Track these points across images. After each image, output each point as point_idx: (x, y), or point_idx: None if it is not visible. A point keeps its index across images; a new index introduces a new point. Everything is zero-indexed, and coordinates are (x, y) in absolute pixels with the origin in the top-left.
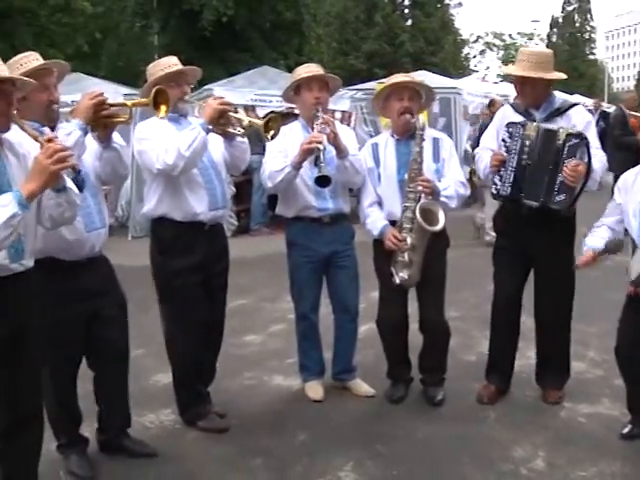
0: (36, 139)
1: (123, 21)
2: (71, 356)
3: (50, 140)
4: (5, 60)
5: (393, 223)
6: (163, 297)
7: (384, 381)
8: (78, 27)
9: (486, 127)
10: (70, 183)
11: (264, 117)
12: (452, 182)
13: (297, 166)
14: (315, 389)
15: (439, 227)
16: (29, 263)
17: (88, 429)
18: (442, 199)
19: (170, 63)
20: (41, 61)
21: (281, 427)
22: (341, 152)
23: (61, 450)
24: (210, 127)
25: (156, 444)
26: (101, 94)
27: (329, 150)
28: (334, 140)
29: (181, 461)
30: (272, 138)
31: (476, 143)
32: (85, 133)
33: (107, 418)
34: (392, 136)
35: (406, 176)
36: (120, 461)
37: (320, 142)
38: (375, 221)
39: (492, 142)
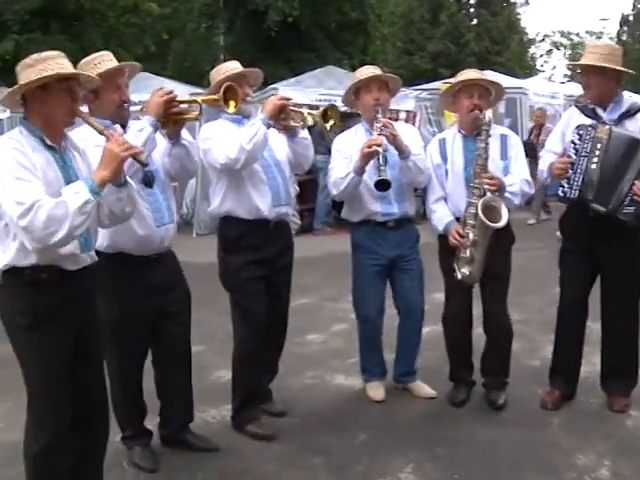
0: (102, 132)
1: (189, 22)
2: (139, 350)
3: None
4: (76, 60)
5: (459, 220)
6: (229, 291)
7: (446, 383)
8: (146, 28)
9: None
10: (129, 178)
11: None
12: (518, 179)
13: (359, 171)
14: (376, 389)
15: (501, 224)
16: (95, 256)
17: (151, 423)
18: (506, 195)
19: (232, 67)
20: (115, 61)
21: (342, 426)
22: (403, 152)
23: (125, 442)
24: (271, 122)
25: (217, 439)
26: (171, 91)
27: (392, 153)
28: (394, 141)
29: (241, 457)
30: (331, 128)
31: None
32: (156, 129)
33: (170, 413)
34: (459, 132)
35: (471, 172)
36: (181, 454)
37: (379, 145)
38: (441, 217)
39: (557, 145)
